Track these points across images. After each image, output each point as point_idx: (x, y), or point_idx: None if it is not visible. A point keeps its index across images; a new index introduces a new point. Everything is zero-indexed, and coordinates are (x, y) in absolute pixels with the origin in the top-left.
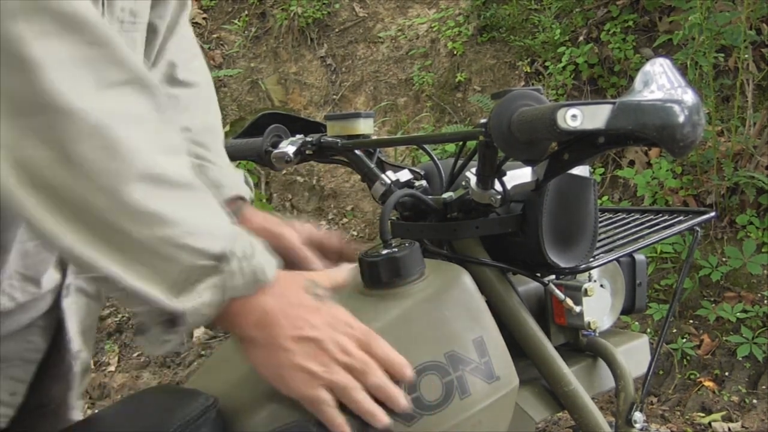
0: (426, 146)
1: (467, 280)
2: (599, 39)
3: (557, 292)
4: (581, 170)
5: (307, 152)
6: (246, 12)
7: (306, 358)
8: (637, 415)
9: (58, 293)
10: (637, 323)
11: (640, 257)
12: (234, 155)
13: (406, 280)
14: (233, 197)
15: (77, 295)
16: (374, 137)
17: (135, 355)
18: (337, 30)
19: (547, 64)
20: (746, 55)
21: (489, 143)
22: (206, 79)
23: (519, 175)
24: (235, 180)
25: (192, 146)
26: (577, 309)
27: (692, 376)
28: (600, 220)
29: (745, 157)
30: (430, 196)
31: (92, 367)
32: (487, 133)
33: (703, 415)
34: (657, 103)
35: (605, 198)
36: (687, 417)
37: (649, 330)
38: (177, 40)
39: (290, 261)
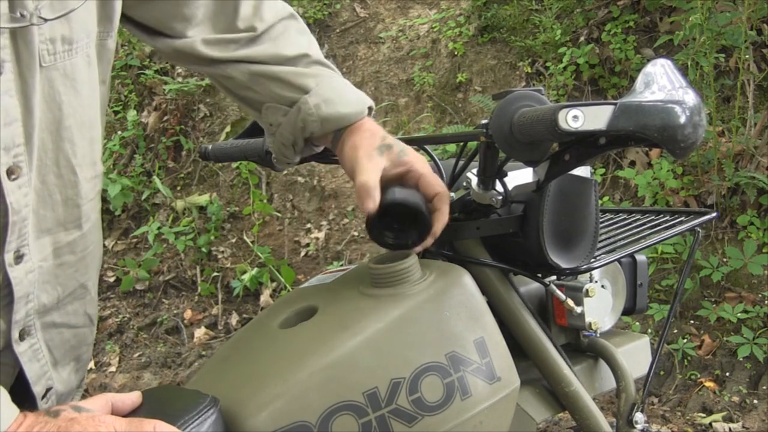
0: (427, 147)
1: (468, 280)
2: (600, 39)
3: (558, 292)
4: (582, 171)
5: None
6: None
7: None
8: (638, 416)
9: (6, 340)
10: (637, 324)
11: (641, 258)
12: (235, 155)
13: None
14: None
15: (45, 332)
16: None
17: (136, 355)
18: (338, 30)
19: (547, 64)
20: (747, 56)
21: (490, 144)
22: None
23: (520, 176)
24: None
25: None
26: (578, 310)
27: (693, 377)
28: (601, 220)
29: (745, 157)
30: None
31: (93, 367)
32: (488, 133)
33: (703, 415)
34: (658, 104)
35: (606, 198)
36: (688, 417)
37: (649, 330)
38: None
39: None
